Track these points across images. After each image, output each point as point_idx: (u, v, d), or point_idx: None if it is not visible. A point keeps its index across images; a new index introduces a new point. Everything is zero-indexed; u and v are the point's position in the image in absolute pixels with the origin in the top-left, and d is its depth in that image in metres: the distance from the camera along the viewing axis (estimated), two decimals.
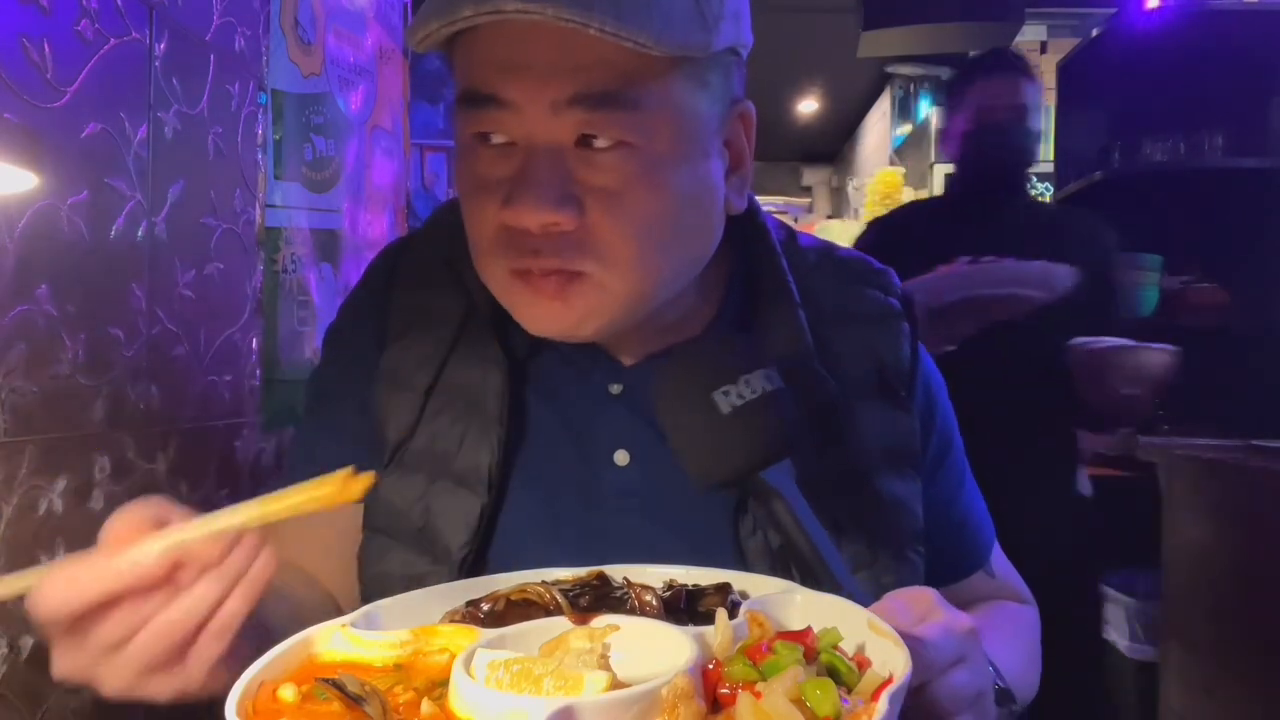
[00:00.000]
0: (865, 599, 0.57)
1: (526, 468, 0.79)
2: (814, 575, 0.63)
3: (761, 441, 0.64)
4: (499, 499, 0.77)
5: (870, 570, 0.76)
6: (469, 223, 0.73)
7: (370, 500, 0.80)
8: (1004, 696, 0.69)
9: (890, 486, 0.79)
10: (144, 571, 0.53)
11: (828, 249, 0.89)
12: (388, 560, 0.78)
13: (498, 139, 0.69)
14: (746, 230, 0.83)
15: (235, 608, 0.56)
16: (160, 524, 0.56)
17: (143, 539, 0.54)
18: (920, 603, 0.58)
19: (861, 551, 0.76)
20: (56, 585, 0.53)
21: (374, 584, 0.77)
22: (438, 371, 0.80)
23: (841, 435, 0.78)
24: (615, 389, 0.80)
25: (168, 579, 0.54)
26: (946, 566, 0.86)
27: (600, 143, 0.66)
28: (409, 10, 2.11)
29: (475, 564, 0.76)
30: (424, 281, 0.83)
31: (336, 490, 0.56)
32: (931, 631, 0.55)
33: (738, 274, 0.83)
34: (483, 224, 0.70)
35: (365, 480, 0.56)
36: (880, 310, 0.84)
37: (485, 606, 0.59)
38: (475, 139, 0.70)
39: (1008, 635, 0.82)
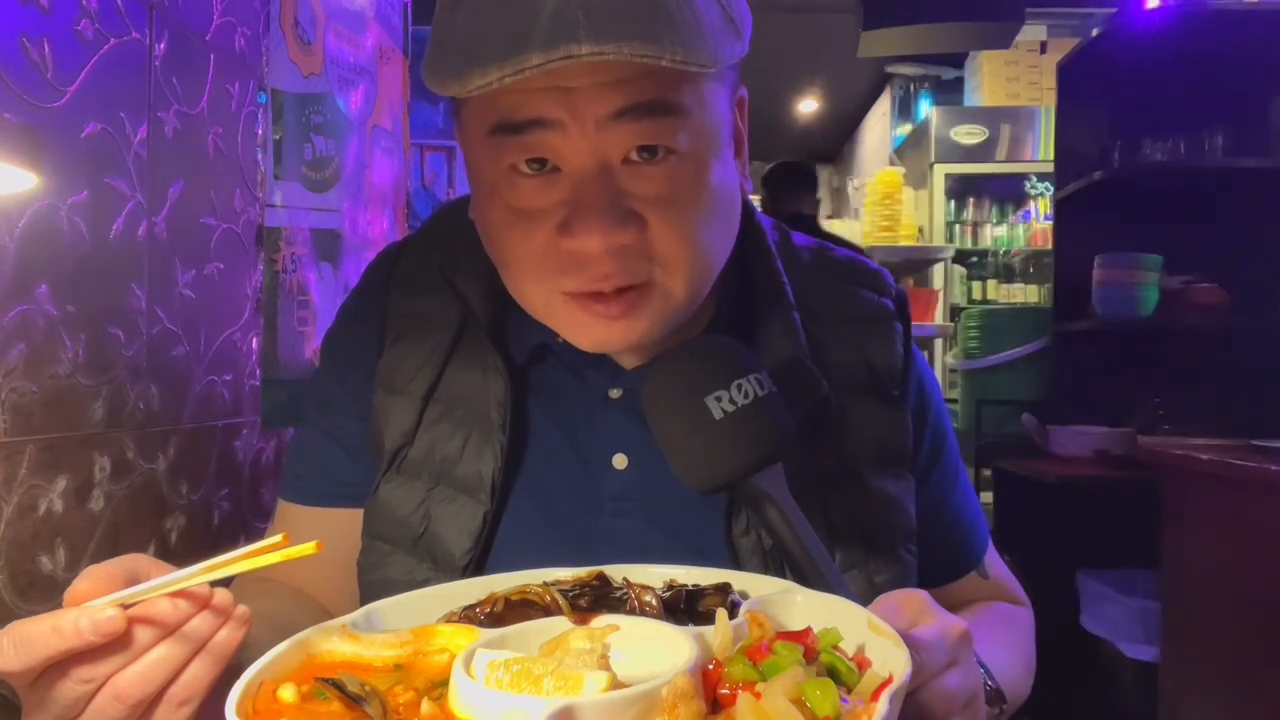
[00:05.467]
0: (857, 599, 0.57)
1: (527, 474, 0.79)
2: (805, 577, 0.63)
3: (753, 446, 0.64)
4: (500, 505, 0.77)
5: (863, 569, 0.76)
6: (507, 251, 0.70)
7: (370, 506, 0.80)
8: (995, 697, 0.70)
9: (883, 485, 0.79)
10: (93, 630, 0.50)
11: (822, 249, 0.89)
12: (388, 566, 0.78)
13: (538, 168, 0.67)
14: (742, 231, 0.83)
15: (197, 675, 0.54)
16: (132, 580, 0.54)
17: (102, 596, 0.52)
18: (911, 605, 0.58)
19: (854, 550, 0.76)
20: (9, 643, 0.51)
21: (373, 590, 0.77)
22: (436, 378, 0.80)
23: (834, 434, 0.78)
24: (615, 393, 0.80)
25: (123, 640, 0.52)
26: (940, 567, 0.87)
27: (648, 155, 0.66)
28: (409, 10, 2.11)
29: (476, 570, 0.76)
30: (420, 288, 0.83)
31: (286, 551, 0.54)
32: (924, 635, 0.55)
33: (733, 274, 0.83)
34: (529, 251, 0.69)
35: (309, 546, 0.55)
36: (874, 311, 0.84)
37: (484, 610, 0.59)
38: (511, 171, 0.67)
39: (1000, 636, 0.82)
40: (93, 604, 0.52)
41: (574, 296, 0.69)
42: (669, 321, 0.72)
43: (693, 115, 0.66)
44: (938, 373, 3.88)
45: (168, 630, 0.53)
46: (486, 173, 0.69)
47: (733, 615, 0.54)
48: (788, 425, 0.66)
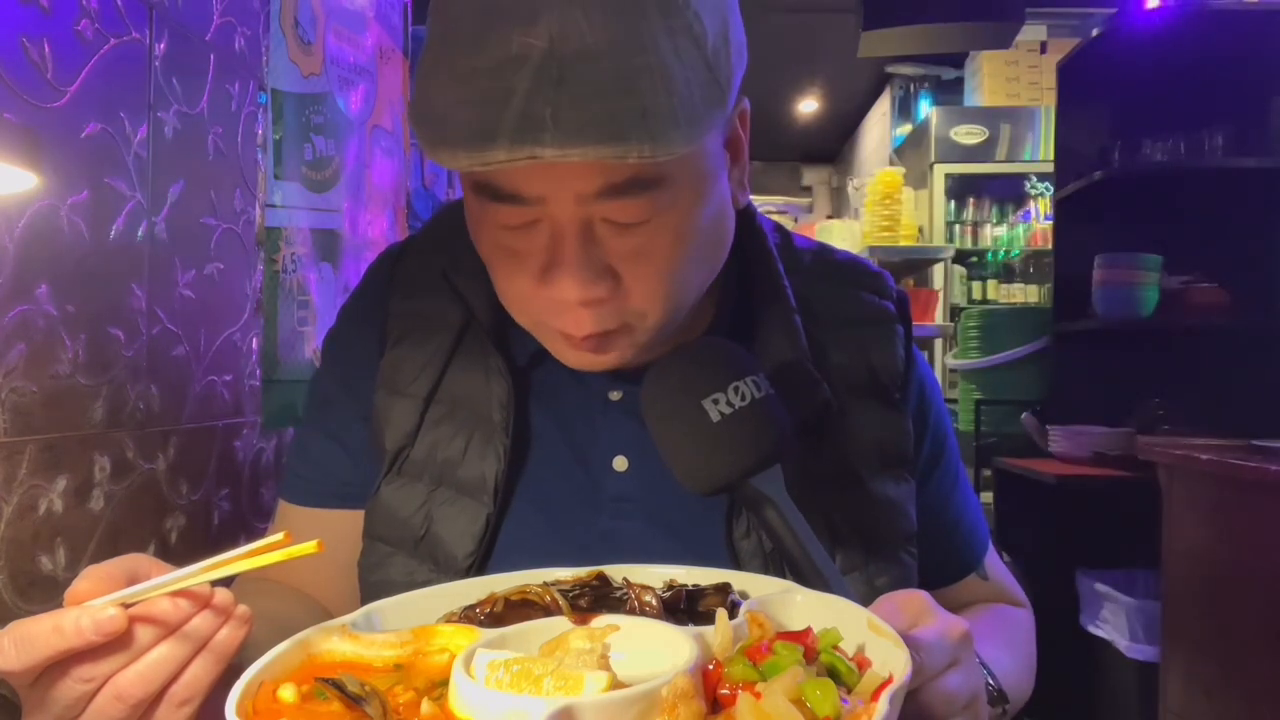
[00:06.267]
0: (857, 600, 0.57)
1: (528, 476, 0.79)
2: (805, 579, 0.63)
3: (751, 448, 0.64)
4: (501, 507, 0.77)
5: (863, 571, 0.76)
6: (497, 279, 0.73)
7: (371, 508, 0.80)
8: (997, 697, 0.69)
9: (883, 488, 0.79)
10: (94, 629, 0.50)
11: (823, 251, 0.89)
12: (388, 568, 0.78)
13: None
14: (743, 234, 0.83)
15: (198, 675, 0.54)
16: (132, 579, 0.54)
17: (102, 595, 0.52)
18: (912, 606, 0.58)
19: (854, 553, 0.76)
20: (10, 642, 0.51)
21: (374, 591, 0.77)
22: (437, 379, 0.80)
23: (835, 437, 0.78)
24: (615, 395, 0.80)
25: (124, 640, 0.52)
26: (940, 569, 0.87)
27: (628, 221, 0.66)
28: (409, 10, 2.11)
29: (478, 573, 0.76)
30: (421, 289, 0.83)
31: (287, 551, 0.54)
32: (925, 635, 0.55)
33: (734, 278, 0.83)
34: (514, 288, 0.71)
35: (310, 545, 0.55)
36: (875, 313, 0.84)
37: (484, 611, 0.59)
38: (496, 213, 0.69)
39: (1001, 637, 0.82)
40: (93, 603, 0.52)
41: (556, 330, 0.71)
42: (647, 347, 0.73)
43: (674, 180, 0.65)
44: (938, 373, 3.88)
45: (169, 629, 0.53)
46: (472, 204, 0.70)
47: (733, 615, 0.54)
48: (786, 427, 0.66)
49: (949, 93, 6.25)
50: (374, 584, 0.79)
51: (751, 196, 0.80)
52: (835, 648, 0.50)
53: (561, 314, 0.69)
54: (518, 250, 0.69)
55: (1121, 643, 2.35)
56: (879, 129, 7.21)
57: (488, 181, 0.66)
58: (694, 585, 0.60)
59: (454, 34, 0.62)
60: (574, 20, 0.58)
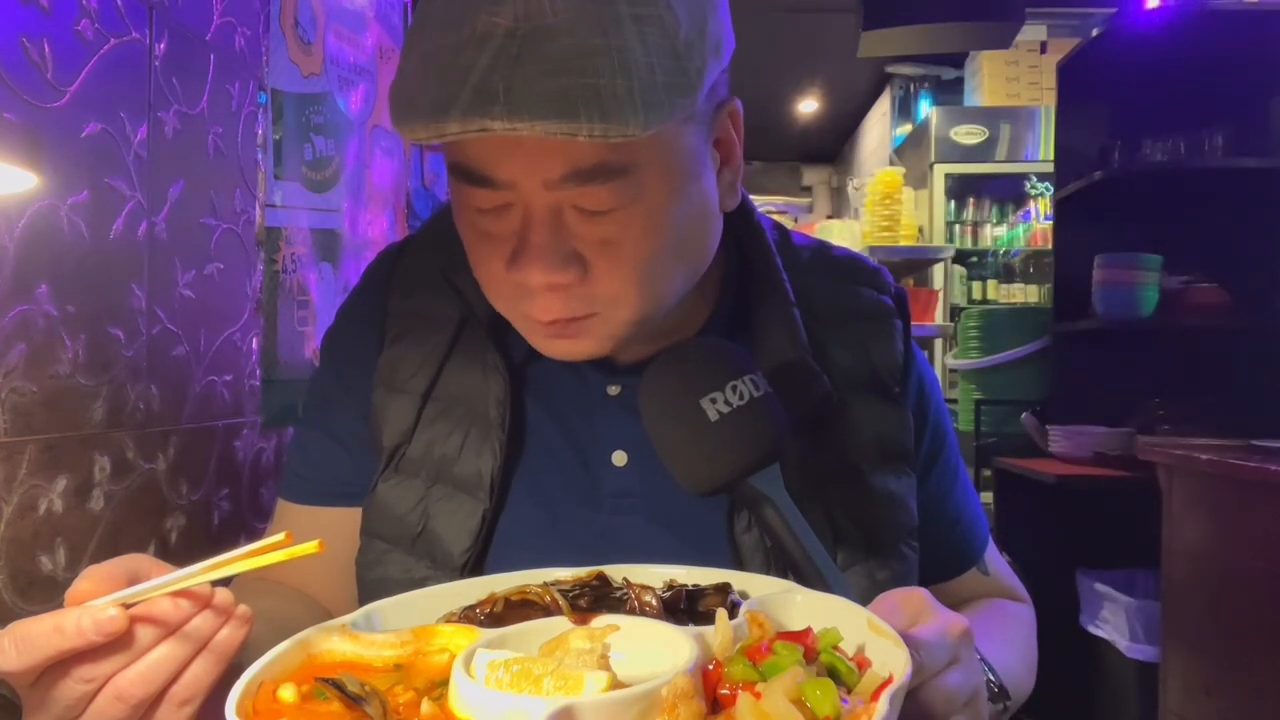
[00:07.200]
0: (857, 599, 0.57)
1: (526, 472, 0.79)
2: (804, 577, 0.63)
3: (749, 448, 0.64)
4: (499, 503, 0.77)
5: (864, 566, 0.76)
6: (474, 266, 0.74)
7: (368, 505, 0.80)
8: (998, 694, 0.69)
9: (884, 482, 0.79)
10: (95, 630, 0.51)
11: (821, 247, 0.89)
12: (386, 565, 0.78)
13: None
14: (741, 231, 0.83)
15: (199, 675, 0.54)
16: (133, 580, 0.54)
17: (103, 595, 0.52)
18: (911, 604, 0.58)
19: (856, 547, 0.76)
20: (10, 642, 0.51)
21: (372, 589, 0.77)
22: (435, 376, 0.80)
23: (835, 432, 0.78)
24: (613, 390, 0.80)
25: (124, 640, 0.52)
26: (941, 563, 0.87)
27: (596, 210, 0.66)
28: (409, 10, 2.11)
29: (475, 569, 0.76)
30: (420, 288, 0.84)
31: (289, 551, 0.55)
32: (924, 633, 0.55)
33: (733, 274, 0.83)
34: (489, 274, 0.72)
35: (311, 545, 0.55)
36: (874, 308, 0.84)
37: (484, 611, 0.59)
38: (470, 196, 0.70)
39: (1002, 633, 0.82)
40: (94, 603, 0.52)
41: (528, 316, 0.72)
42: (621, 340, 0.73)
43: (642, 169, 0.66)
44: (938, 373, 3.87)
45: (169, 630, 0.53)
46: (452, 187, 0.71)
47: (733, 615, 0.54)
48: (784, 426, 0.66)
49: (949, 93, 6.25)
50: (371, 581, 0.79)
51: (752, 197, 0.80)
52: (835, 648, 0.50)
53: (529, 298, 0.69)
54: (491, 234, 0.69)
55: (1121, 643, 2.35)
56: (879, 129, 7.21)
57: (461, 162, 0.67)
58: (694, 585, 0.60)
59: (430, 15, 0.63)
60: (540, 0, 0.59)
